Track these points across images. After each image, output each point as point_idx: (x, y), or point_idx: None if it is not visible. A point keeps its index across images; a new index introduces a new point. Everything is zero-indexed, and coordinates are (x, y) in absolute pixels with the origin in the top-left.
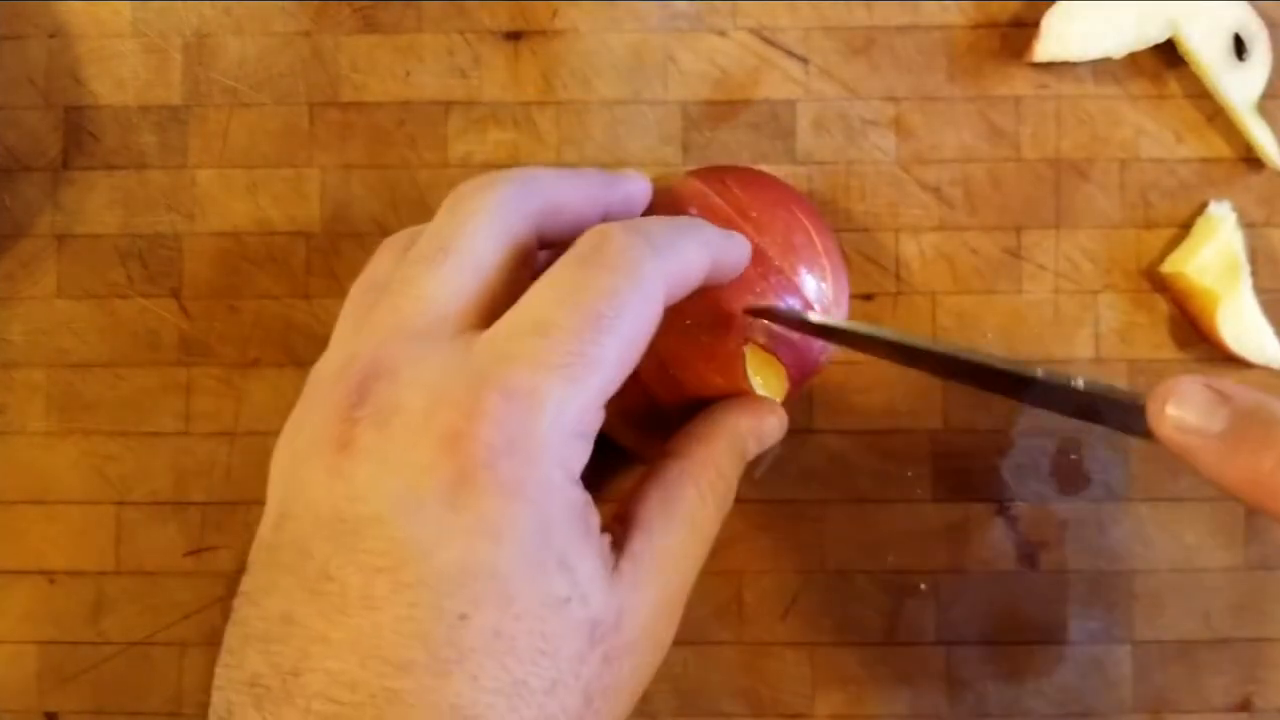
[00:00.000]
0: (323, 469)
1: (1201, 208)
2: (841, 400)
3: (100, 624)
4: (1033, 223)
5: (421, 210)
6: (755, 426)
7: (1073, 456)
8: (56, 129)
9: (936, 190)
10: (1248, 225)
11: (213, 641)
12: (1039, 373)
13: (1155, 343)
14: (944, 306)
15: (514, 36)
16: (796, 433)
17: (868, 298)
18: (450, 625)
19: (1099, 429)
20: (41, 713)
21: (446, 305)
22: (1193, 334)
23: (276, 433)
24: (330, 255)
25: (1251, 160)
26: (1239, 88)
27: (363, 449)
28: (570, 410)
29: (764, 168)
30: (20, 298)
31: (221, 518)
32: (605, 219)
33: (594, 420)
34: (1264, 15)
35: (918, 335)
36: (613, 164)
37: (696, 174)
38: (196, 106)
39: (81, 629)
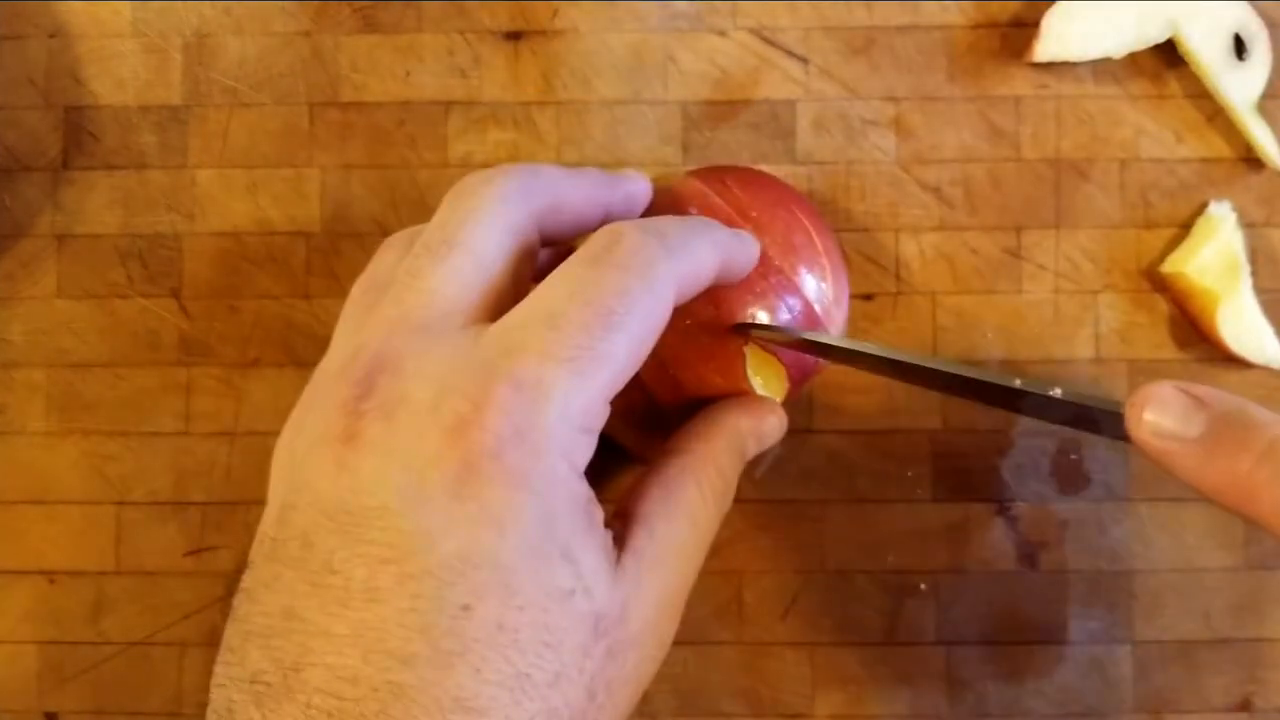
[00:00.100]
0: (328, 461)
1: (1201, 208)
2: (841, 400)
3: (100, 624)
4: (1033, 223)
5: (421, 210)
6: (755, 426)
7: (1073, 456)
8: (56, 129)
9: (936, 190)
10: (1248, 225)
11: (212, 641)
12: (1017, 382)
13: (1155, 343)
14: (944, 306)
15: (514, 36)
16: (796, 433)
17: (868, 298)
18: (453, 616)
19: None
20: (41, 713)
21: (451, 298)
22: (1193, 334)
23: (277, 433)
24: (330, 255)
25: (1251, 160)
26: (1239, 88)
27: (368, 441)
28: (577, 404)
29: (764, 168)
30: (20, 298)
31: (221, 518)
32: (606, 219)
33: (600, 415)
34: (1264, 15)
35: (900, 349)
36: (613, 164)
37: (696, 174)
38: (196, 106)
39: (81, 629)
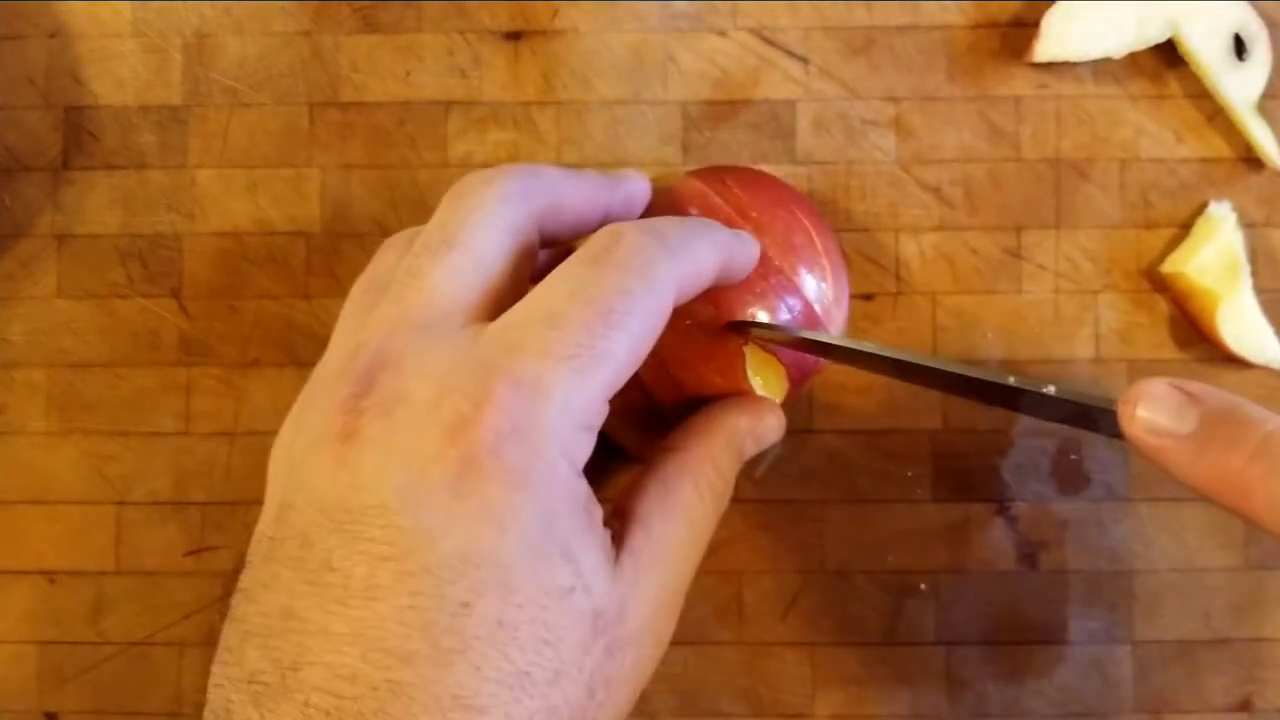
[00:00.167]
0: (327, 460)
1: (1201, 208)
2: (841, 400)
3: (100, 624)
4: (1033, 223)
5: (421, 210)
6: (754, 425)
7: (1073, 456)
8: (56, 129)
9: (936, 190)
10: (1248, 225)
11: (212, 641)
12: (1011, 380)
13: (1155, 343)
14: (944, 306)
15: (514, 36)
16: (796, 433)
17: (868, 298)
18: (452, 614)
19: None
20: (41, 713)
21: (451, 297)
22: (1193, 334)
23: (276, 433)
24: (330, 255)
25: (1251, 160)
26: (1239, 88)
27: (368, 439)
28: (577, 402)
29: (764, 168)
30: (20, 298)
31: (221, 518)
32: (606, 219)
33: (599, 414)
34: (1264, 15)
35: (898, 348)
36: (613, 164)
37: (696, 174)
38: (196, 106)
39: (81, 629)
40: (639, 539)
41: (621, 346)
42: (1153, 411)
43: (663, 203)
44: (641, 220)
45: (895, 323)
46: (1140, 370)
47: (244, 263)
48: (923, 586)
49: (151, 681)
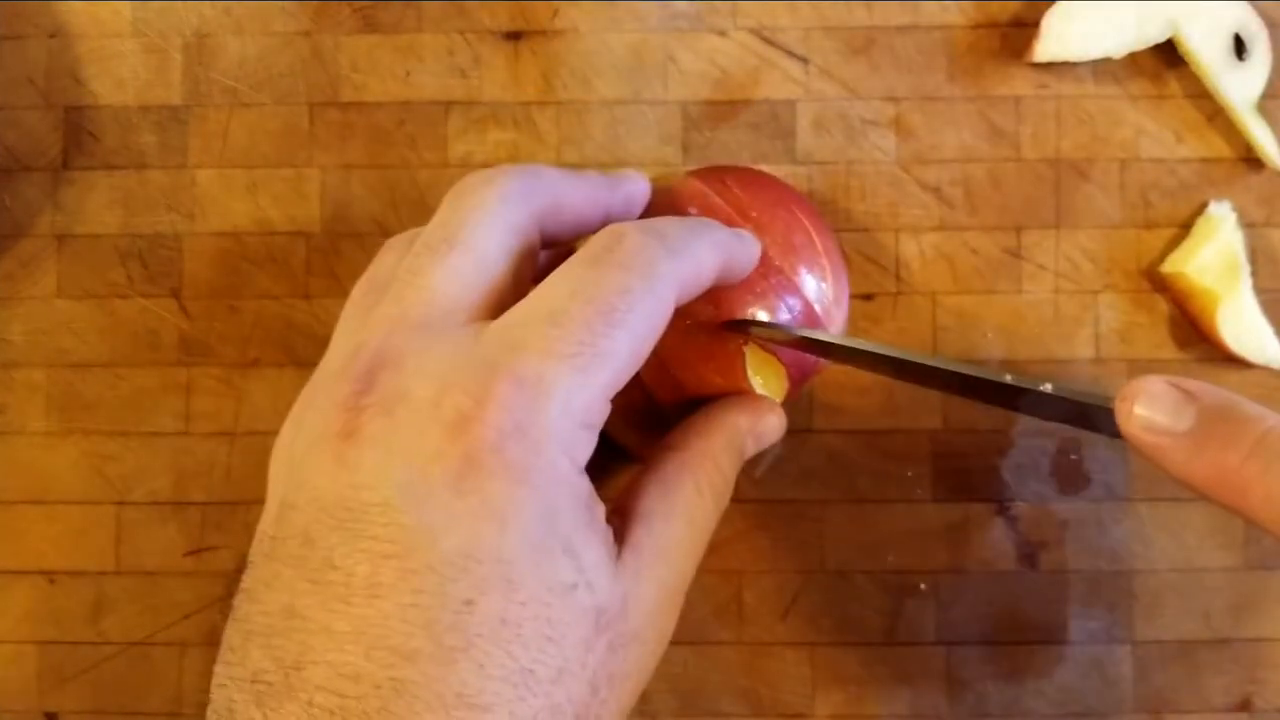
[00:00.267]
0: (328, 458)
1: (1201, 208)
2: (841, 400)
3: (100, 624)
4: (1033, 223)
5: (421, 210)
6: (754, 425)
7: (1073, 456)
8: (56, 129)
9: (936, 190)
10: (1248, 225)
11: (212, 641)
12: (1007, 378)
13: (1155, 343)
14: (944, 306)
15: (514, 36)
16: (796, 433)
17: (868, 298)
18: (455, 612)
19: None
20: (41, 713)
21: (452, 296)
22: (1193, 334)
23: (276, 433)
24: (330, 255)
25: (1251, 160)
26: (1239, 88)
27: (369, 437)
28: (578, 400)
29: (764, 168)
30: (20, 298)
31: (221, 518)
32: (606, 220)
33: (600, 412)
34: (1264, 15)
35: (897, 347)
36: (613, 164)
37: (696, 174)
38: (196, 106)
39: (81, 629)
40: (640, 536)
41: (623, 345)
42: (1150, 409)
43: (663, 203)
44: (642, 220)
45: (895, 323)
46: (1140, 370)
47: (244, 263)
48: (923, 586)
49: (152, 681)
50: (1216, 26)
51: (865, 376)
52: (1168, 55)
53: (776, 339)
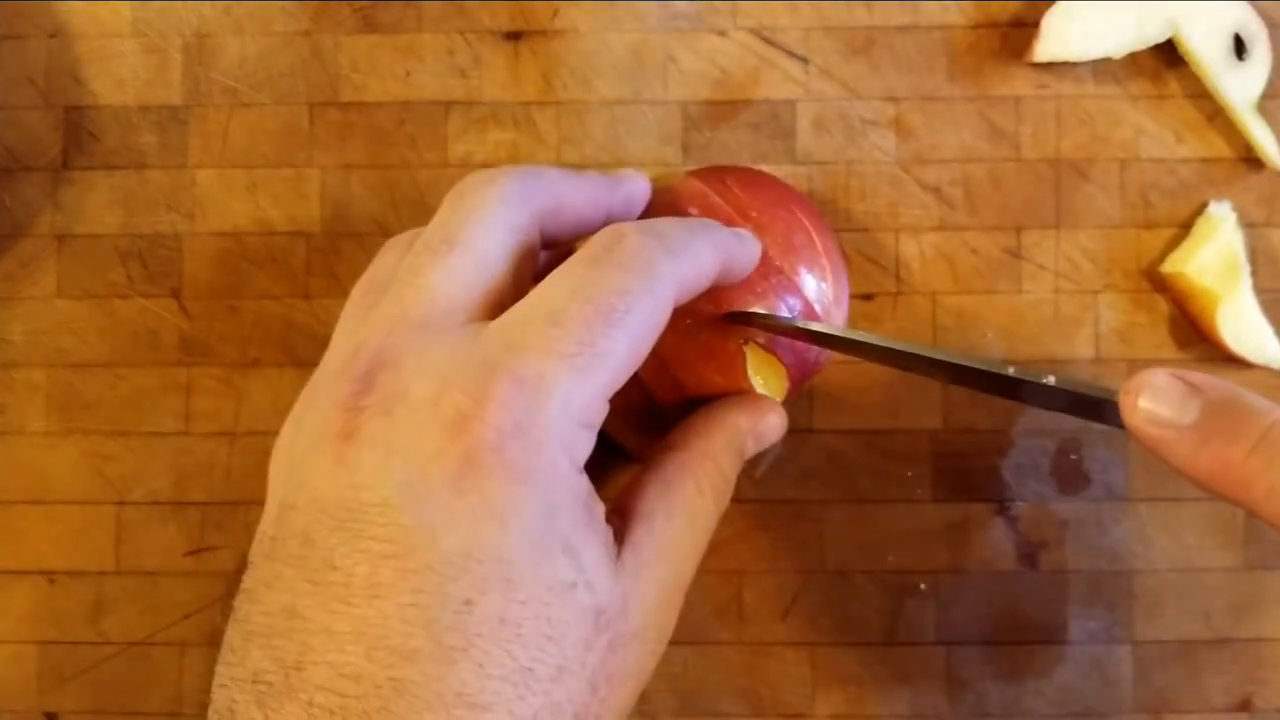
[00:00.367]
0: (327, 459)
1: (1201, 208)
2: (841, 400)
3: (100, 624)
4: (1033, 223)
5: (421, 210)
6: (754, 424)
7: (1073, 456)
8: (56, 129)
9: (936, 190)
10: (1248, 225)
11: (213, 641)
12: (1010, 370)
13: (1155, 343)
14: (944, 306)
15: (514, 36)
16: (796, 433)
17: (868, 298)
18: (455, 611)
19: (1098, 428)
20: (41, 713)
21: (452, 296)
22: (1193, 334)
23: (276, 433)
24: (330, 255)
25: (1251, 160)
26: (1239, 88)
27: (368, 437)
28: (577, 400)
29: (764, 168)
30: (20, 298)
31: (221, 518)
32: (607, 221)
33: (600, 412)
34: (1264, 15)
35: (897, 339)
36: (613, 164)
37: (696, 174)
38: (196, 106)
39: (81, 629)
40: (640, 536)
41: (622, 345)
42: (1154, 402)
43: (663, 203)
44: (642, 220)
45: (895, 323)
46: (1140, 370)
47: (244, 263)
48: (923, 586)
49: (152, 681)
50: (1216, 26)
51: (865, 376)
52: (1168, 55)
53: (779, 329)
